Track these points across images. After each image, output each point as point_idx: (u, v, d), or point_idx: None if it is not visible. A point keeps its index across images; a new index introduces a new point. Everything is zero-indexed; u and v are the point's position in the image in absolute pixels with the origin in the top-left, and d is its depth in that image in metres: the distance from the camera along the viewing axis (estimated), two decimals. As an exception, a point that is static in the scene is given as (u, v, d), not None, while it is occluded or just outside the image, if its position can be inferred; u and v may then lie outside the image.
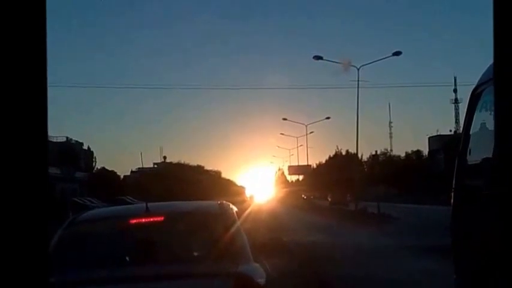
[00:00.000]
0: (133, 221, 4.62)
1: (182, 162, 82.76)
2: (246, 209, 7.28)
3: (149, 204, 4.70)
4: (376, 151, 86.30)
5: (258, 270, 4.30)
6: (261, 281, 4.15)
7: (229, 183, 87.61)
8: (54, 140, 67.74)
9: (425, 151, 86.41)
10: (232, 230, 4.52)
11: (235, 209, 5.07)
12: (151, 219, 4.55)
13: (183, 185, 55.50)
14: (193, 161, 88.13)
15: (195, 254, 4.41)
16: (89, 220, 4.99)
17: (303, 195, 70.72)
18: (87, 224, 4.87)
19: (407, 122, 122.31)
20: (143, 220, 4.56)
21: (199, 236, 4.61)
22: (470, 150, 6.04)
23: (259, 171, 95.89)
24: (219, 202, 5.17)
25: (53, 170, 55.38)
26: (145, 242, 4.38)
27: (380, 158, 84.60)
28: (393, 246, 16.87)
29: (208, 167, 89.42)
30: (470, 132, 6.07)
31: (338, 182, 54.14)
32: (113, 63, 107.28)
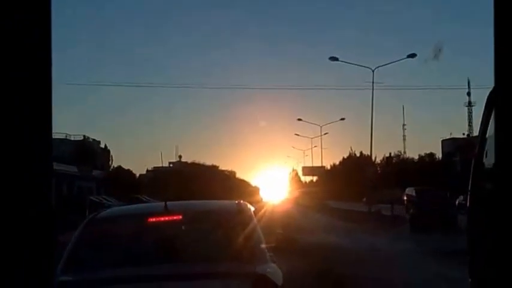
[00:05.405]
0: (153, 220, 4.61)
1: (197, 161, 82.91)
2: (260, 209, 7.49)
3: (168, 203, 4.68)
4: (389, 153, 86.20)
5: (276, 270, 4.33)
6: (278, 281, 4.19)
7: (243, 183, 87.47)
8: (72, 139, 68.10)
9: (439, 154, 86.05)
10: (251, 229, 4.52)
11: (252, 208, 5.05)
12: (171, 218, 4.56)
13: (198, 184, 55.47)
14: (208, 161, 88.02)
15: (214, 253, 4.37)
16: (109, 218, 5.00)
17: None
18: (107, 222, 4.88)
19: (420, 124, 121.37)
20: (162, 219, 4.56)
21: (218, 235, 4.61)
22: (486, 153, 6.06)
23: (273, 172, 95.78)
24: (237, 201, 5.14)
25: (71, 169, 55.78)
26: (165, 241, 4.39)
27: (393, 160, 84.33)
28: (404, 248, 17.44)
29: (222, 167, 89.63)
30: (487, 135, 6.08)
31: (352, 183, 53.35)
32: (130, 61, 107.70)
